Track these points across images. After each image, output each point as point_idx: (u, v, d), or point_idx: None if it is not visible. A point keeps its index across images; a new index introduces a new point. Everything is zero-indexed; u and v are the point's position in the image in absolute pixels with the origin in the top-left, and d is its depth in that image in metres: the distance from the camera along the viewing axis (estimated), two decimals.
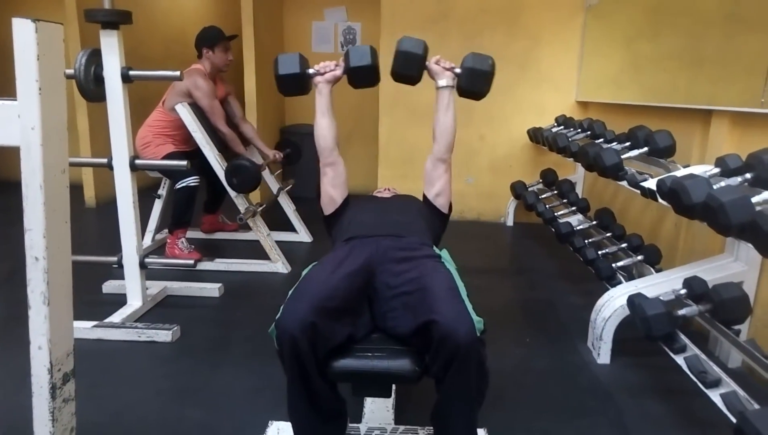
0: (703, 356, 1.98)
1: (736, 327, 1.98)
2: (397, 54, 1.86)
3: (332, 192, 1.95)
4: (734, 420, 1.68)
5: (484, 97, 1.95)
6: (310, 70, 1.87)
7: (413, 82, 1.93)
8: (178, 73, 2.52)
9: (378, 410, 1.89)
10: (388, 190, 2.32)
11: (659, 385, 2.22)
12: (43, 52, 1.09)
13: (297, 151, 4.20)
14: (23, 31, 1.08)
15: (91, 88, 2.44)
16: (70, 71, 2.33)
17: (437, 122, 1.92)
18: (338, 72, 1.91)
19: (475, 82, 1.88)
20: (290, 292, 1.50)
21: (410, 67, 1.85)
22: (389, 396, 1.65)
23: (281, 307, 1.44)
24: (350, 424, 1.74)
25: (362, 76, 1.87)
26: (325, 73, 1.89)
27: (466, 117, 4.62)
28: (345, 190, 1.98)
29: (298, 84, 1.86)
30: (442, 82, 1.90)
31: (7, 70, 1.25)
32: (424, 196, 2.00)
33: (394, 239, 1.71)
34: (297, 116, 5.82)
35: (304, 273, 1.66)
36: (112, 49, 2.42)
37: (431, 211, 1.98)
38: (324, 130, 1.90)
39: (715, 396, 1.82)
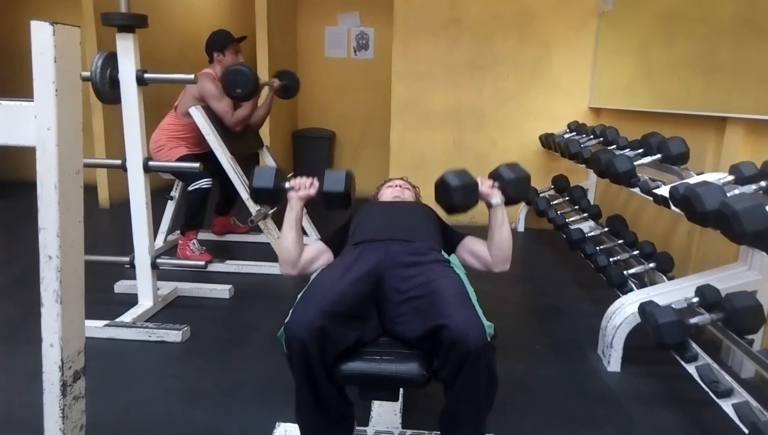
0: (715, 366, 1.96)
1: (750, 337, 1.95)
2: (453, 190, 1.78)
3: (318, 264, 1.87)
4: (747, 431, 1.66)
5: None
6: (286, 184, 1.86)
7: (469, 210, 1.87)
8: (192, 76, 2.55)
9: (385, 414, 1.89)
10: (399, 187, 2.29)
11: (670, 394, 2.20)
12: (60, 55, 1.11)
13: (294, 80, 4.00)
14: (41, 34, 1.09)
15: (107, 90, 2.47)
16: (87, 73, 2.36)
17: (493, 239, 1.83)
18: (312, 191, 1.86)
19: (519, 190, 1.88)
20: (299, 296, 1.51)
21: (469, 199, 1.81)
22: (396, 400, 1.65)
23: (290, 311, 1.44)
24: (357, 428, 1.74)
25: (334, 201, 1.86)
26: (299, 190, 1.86)
27: (477, 123, 4.63)
28: (321, 248, 1.91)
29: (270, 197, 1.87)
30: (496, 201, 1.82)
31: (25, 72, 1.27)
32: (462, 238, 1.94)
33: (403, 244, 1.70)
34: (309, 120, 5.85)
35: (313, 277, 1.67)
36: (127, 52, 2.45)
37: (448, 235, 1.95)
38: (289, 244, 1.82)
39: (727, 406, 1.79)
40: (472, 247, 1.90)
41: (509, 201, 1.87)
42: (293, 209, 1.84)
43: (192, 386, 2.17)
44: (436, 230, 1.90)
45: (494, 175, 1.88)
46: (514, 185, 1.85)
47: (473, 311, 1.42)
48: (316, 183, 1.88)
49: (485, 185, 1.83)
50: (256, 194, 1.87)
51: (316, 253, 1.88)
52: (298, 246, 1.82)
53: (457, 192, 1.79)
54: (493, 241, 1.82)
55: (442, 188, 1.83)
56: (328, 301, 1.44)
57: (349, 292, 1.50)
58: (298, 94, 5.25)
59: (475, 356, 1.33)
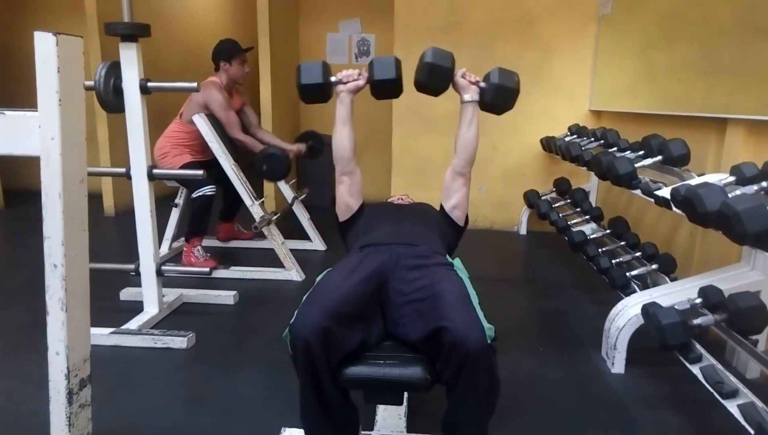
0: (719, 366, 1.96)
1: (754, 337, 1.94)
2: (423, 65, 1.82)
3: (349, 199, 1.95)
4: (752, 432, 1.65)
5: (506, 112, 1.93)
6: (333, 78, 1.85)
7: (437, 94, 1.91)
8: (195, 84, 2.57)
9: (390, 418, 1.89)
10: (402, 198, 2.33)
11: (674, 395, 2.19)
12: (64, 65, 1.13)
13: (319, 142, 4.19)
14: (45, 44, 1.11)
15: (111, 99, 2.49)
16: (90, 83, 2.39)
17: (459, 136, 1.90)
18: (361, 82, 1.89)
19: (500, 98, 1.86)
20: (304, 298, 1.52)
21: (437, 80, 1.81)
22: (401, 403, 1.64)
23: (295, 312, 1.45)
24: (362, 432, 1.74)
25: (385, 89, 1.85)
26: (347, 82, 1.87)
27: (478, 126, 4.62)
28: (360, 198, 1.99)
29: (320, 93, 1.84)
30: (467, 97, 1.87)
31: (29, 82, 1.29)
32: (441, 208, 2.00)
33: (407, 247, 1.71)
34: (312, 125, 5.85)
35: (318, 279, 1.68)
36: (131, 61, 2.47)
37: (447, 222, 1.98)
38: (344, 139, 1.88)
39: (732, 407, 1.79)
40: (444, 193, 1.97)
41: (485, 105, 1.85)
42: (344, 103, 1.87)
43: (197, 392, 2.18)
44: (440, 232, 1.91)
45: (485, 76, 1.87)
46: (493, 91, 1.82)
47: (473, 314, 1.42)
48: (365, 72, 1.89)
49: (464, 78, 1.83)
50: (305, 91, 1.84)
51: (359, 188, 1.95)
52: (352, 140, 1.87)
53: (426, 69, 1.78)
54: (459, 139, 1.88)
55: (419, 63, 1.83)
56: (333, 302, 1.45)
57: (353, 293, 1.51)
58: (301, 101, 5.31)
59: (475, 358, 1.33)
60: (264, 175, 3.37)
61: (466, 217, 2.02)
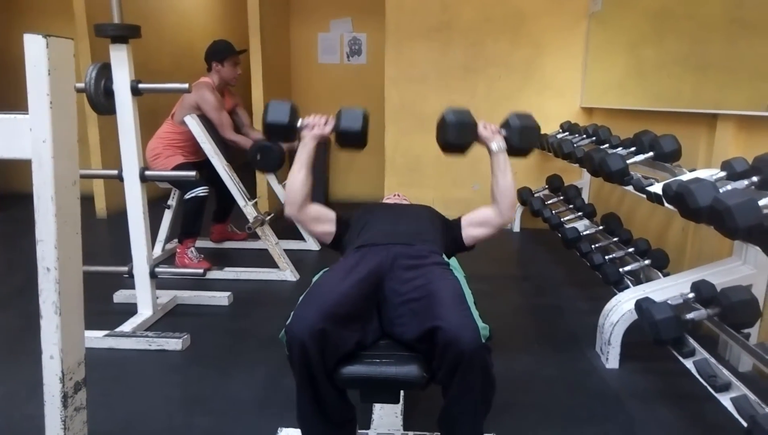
0: (712, 360, 1.97)
1: (746, 330, 1.96)
2: (448, 126, 1.78)
3: (319, 229, 1.90)
4: (745, 424, 1.67)
5: (531, 153, 1.92)
6: (299, 122, 1.85)
7: (464, 152, 1.88)
8: (186, 85, 2.56)
9: (387, 416, 1.89)
10: (398, 195, 2.32)
11: (669, 389, 2.21)
12: (54, 67, 1.12)
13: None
14: (35, 47, 1.11)
15: (102, 101, 2.48)
16: (81, 85, 2.37)
17: (496, 184, 1.84)
18: (327, 130, 1.86)
19: (526, 140, 1.85)
20: (301, 298, 1.52)
21: (463, 137, 1.80)
22: (397, 402, 1.65)
23: (291, 313, 1.45)
24: (359, 431, 1.75)
25: (350, 140, 1.85)
26: (314, 128, 1.85)
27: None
28: (329, 215, 1.92)
29: (285, 134, 1.84)
30: (495, 147, 1.83)
31: (19, 85, 1.28)
32: (459, 222, 1.94)
33: (404, 247, 1.72)
34: None
35: (314, 279, 1.68)
36: (121, 62, 2.46)
37: (451, 232, 1.94)
38: (298, 183, 1.82)
39: (725, 400, 1.80)
40: (473, 219, 1.91)
41: (512, 150, 1.84)
42: (306, 147, 1.84)
43: (193, 394, 2.17)
44: (439, 233, 1.90)
45: (502, 123, 1.87)
46: (518, 135, 1.82)
47: (468, 313, 1.43)
48: (332, 121, 1.87)
49: (487, 129, 1.82)
50: (270, 130, 1.83)
51: (322, 214, 1.89)
52: (306, 186, 1.83)
53: (452, 128, 1.77)
54: (498, 187, 1.83)
55: (440, 125, 1.82)
56: (329, 303, 1.45)
57: (350, 294, 1.51)
58: (292, 101, 5.28)
59: (469, 358, 1.34)
60: (257, 166, 3.34)
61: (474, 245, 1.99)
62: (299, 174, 1.83)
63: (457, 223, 1.95)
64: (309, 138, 1.85)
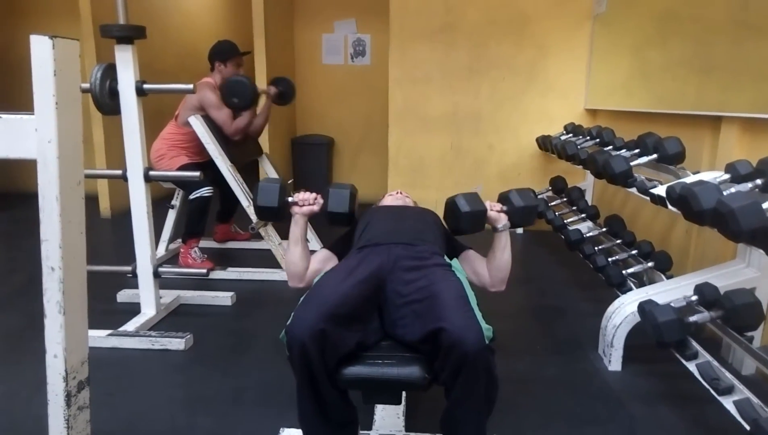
0: (715, 363, 1.97)
1: (749, 333, 1.96)
2: (463, 215, 1.80)
3: (325, 267, 1.86)
4: (748, 428, 1.66)
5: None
6: (290, 199, 1.87)
7: (476, 232, 1.90)
8: (191, 86, 2.57)
9: (388, 417, 1.89)
10: (400, 192, 2.32)
11: (671, 392, 2.21)
12: (60, 68, 1.13)
13: (290, 87, 4.03)
14: (41, 48, 1.11)
15: (107, 101, 2.49)
16: (86, 85, 2.38)
17: (494, 260, 1.84)
18: (315, 208, 1.88)
19: (526, 218, 1.89)
20: (302, 299, 1.52)
21: (476, 224, 1.83)
22: (399, 403, 1.65)
23: (292, 314, 1.45)
24: (361, 431, 1.75)
25: (337, 219, 1.90)
26: (303, 206, 1.87)
27: (474, 126, 4.64)
28: (328, 256, 1.93)
29: (276, 214, 1.87)
30: (501, 227, 1.83)
31: (25, 85, 1.29)
32: (464, 250, 1.96)
33: (406, 247, 1.72)
34: (308, 127, 5.87)
35: (315, 280, 1.68)
36: (126, 63, 2.47)
37: (451, 241, 1.96)
38: (295, 257, 1.84)
39: (728, 403, 1.80)
40: (472, 264, 1.91)
41: (513, 226, 1.88)
42: (298, 224, 1.86)
43: (195, 393, 2.18)
44: (440, 235, 1.91)
45: (503, 199, 1.89)
46: (521, 214, 1.86)
47: (471, 314, 1.43)
48: (320, 199, 1.90)
49: (494, 210, 1.84)
50: (261, 213, 1.88)
51: (322, 262, 1.89)
52: (304, 260, 1.84)
53: (466, 218, 1.81)
54: (494, 262, 1.83)
55: (451, 211, 1.85)
56: (330, 303, 1.45)
57: (351, 295, 1.51)
58: (297, 101, 5.29)
59: (472, 359, 1.34)
60: (234, 106, 3.24)
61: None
62: (295, 249, 1.84)
63: (461, 248, 1.97)
64: (299, 216, 1.86)
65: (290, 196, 1.88)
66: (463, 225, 1.83)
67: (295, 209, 1.87)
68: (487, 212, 1.82)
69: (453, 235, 1.95)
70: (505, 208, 1.85)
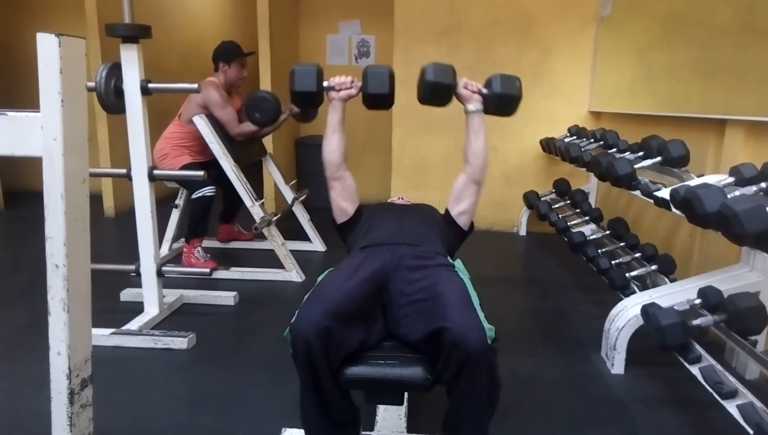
0: (719, 367, 1.96)
1: (753, 338, 1.95)
2: (426, 84, 1.80)
3: (342, 203, 1.95)
4: (752, 432, 1.66)
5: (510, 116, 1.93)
6: (326, 84, 1.85)
7: (441, 106, 1.91)
8: (195, 85, 2.57)
9: (390, 418, 1.89)
10: (402, 198, 2.33)
11: (674, 395, 2.20)
12: (66, 66, 1.13)
13: (313, 109, 4.07)
14: (47, 46, 1.12)
15: (112, 100, 2.50)
16: (91, 84, 2.39)
17: (468, 145, 1.87)
18: (353, 91, 1.88)
19: (503, 106, 1.86)
20: (306, 297, 1.52)
21: (440, 96, 1.81)
22: (401, 404, 1.65)
23: (296, 312, 1.46)
24: (363, 432, 1.74)
25: (377, 101, 1.86)
26: (340, 90, 1.86)
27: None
28: (356, 200, 1.98)
29: (313, 99, 1.85)
30: (471, 107, 1.84)
31: (31, 83, 1.30)
32: (447, 211, 1.98)
33: (409, 247, 1.72)
34: (312, 128, 5.86)
35: (319, 279, 1.68)
36: (131, 62, 2.48)
37: (450, 226, 1.96)
38: (333, 145, 1.87)
39: (731, 407, 1.79)
40: (453, 196, 1.93)
41: (488, 112, 1.85)
42: (336, 110, 1.86)
43: (198, 393, 2.18)
44: (442, 234, 1.91)
45: (487, 82, 1.85)
46: (496, 100, 1.82)
47: (474, 314, 1.43)
48: (358, 82, 1.88)
49: (467, 88, 1.82)
50: (299, 97, 1.84)
51: (353, 191, 1.95)
52: (341, 147, 1.87)
53: (430, 88, 1.79)
54: (470, 148, 1.85)
55: (420, 80, 1.82)
56: (334, 302, 1.45)
57: (355, 293, 1.51)
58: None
59: (475, 359, 1.34)
60: (255, 121, 3.27)
61: (472, 223, 2.00)
62: (333, 136, 1.87)
63: (446, 213, 1.98)
64: (337, 100, 1.86)
65: (326, 81, 1.84)
66: (426, 94, 1.82)
67: (333, 94, 1.86)
68: (455, 87, 1.80)
69: (421, 103, 1.92)
70: (483, 91, 1.83)
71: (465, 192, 1.93)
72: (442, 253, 1.78)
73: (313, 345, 1.37)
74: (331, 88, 1.86)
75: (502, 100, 1.84)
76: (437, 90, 1.80)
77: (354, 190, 1.96)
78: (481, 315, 1.44)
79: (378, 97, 1.84)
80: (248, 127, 3.51)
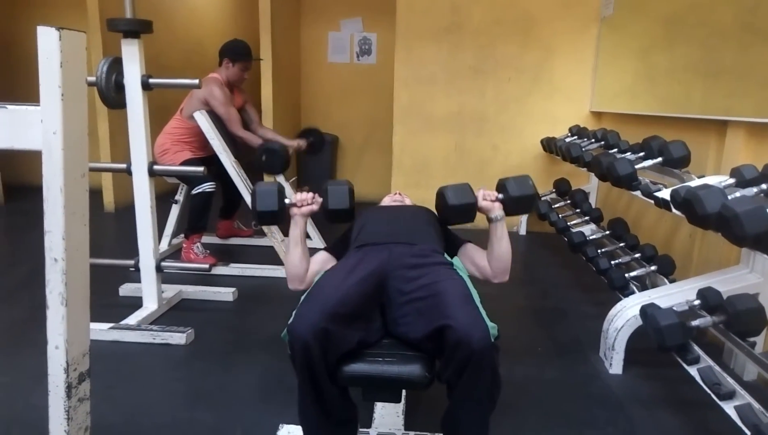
0: (717, 368, 1.96)
1: (752, 339, 1.95)
2: (449, 208, 1.80)
3: (326, 267, 1.84)
4: (749, 433, 1.66)
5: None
6: (287, 201, 1.86)
7: (468, 223, 1.90)
8: (196, 81, 2.57)
9: (388, 415, 1.89)
10: (399, 194, 2.32)
11: (672, 396, 2.20)
12: (66, 60, 1.13)
13: (320, 139, 4.23)
14: (48, 39, 1.11)
15: (112, 95, 2.50)
16: (92, 78, 2.39)
17: (492, 252, 1.82)
18: (315, 207, 1.87)
19: (522, 207, 1.87)
20: (303, 298, 1.52)
21: (464, 215, 1.83)
22: (399, 401, 1.65)
23: (293, 312, 1.45)
24: (360, 429, 1.75)
25: (338, 216, 1.88)
26: (302, 206, 1.86)
27: (479, 127, 4.64)
28: (326, 258, 1.91)
29: (275, 217, 1.86)
30: (494, 216, 1.81)
31: (31, 77, 1.29)
32: (462, 243, 1.94)
33: (405, 246, 1.72)
34: (312, 125, 5.87)
35: (316, 279, 1.68)
36: (132, 57, 2.47)
37: (447, 235, 1.95)
38: (296, 259, 1.82)
39: (729, 408, 1.79)
40: (472, 256, 1.90)
41: (509, 214, 1.86)
42: (297, 226, 1.84)
43: (196, 388, 2.18)
44: (438, 233, 1.91)
45: (500, 187, 1.87)
46: (516, 203, 1.84)
47: (477, 312, 1.43)
48: (318, 198, 1.88)
49: (486, 199, 1.83)
50: (261, 217, 1.87)
51: (320, 264, 1.88)
52: (304, 261, 1.83)
53: (453, 211, 1.81)
54: (493, 254, 1.82)
55: (440, 203, 1.85)
56: (332, 302, 1.45)
57: (352, 293, 1.51)
58: (302, 99, 5.30)
59: (478, 357, 1.34)
60: (263, 168, 3.41)
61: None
62: (295, 251, 1.82)
63: (460, 242, 1.95)
64: (299, 217, 1.85)
65: (287, 198, 1.87)
66: (451, 217, 1.84)
67: (294, 210, 1.86)
68: (476, 204, 1.81)
69: (446, 224, 1.94)
70: (500, 196, 1.84)
71: (481, 272, 1.87)
72: (439, 250, 1.77)
73: (311, 346, 1.37)
74: (293, 205, 1.86)
75: (520, 202, 1.85)
76: (461, 211, 1.81)
77: (318, 266, 1.86)
78: (483, 312, 1.44)
79: (338, 212, 1.86)
80: (251, 137, 3.63)
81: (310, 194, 1.89)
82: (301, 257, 1.82)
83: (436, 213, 2.01)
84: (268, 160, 3.62)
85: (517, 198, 1.83)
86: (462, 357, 1.35)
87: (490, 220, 1.82)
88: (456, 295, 1.49)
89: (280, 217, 1.87)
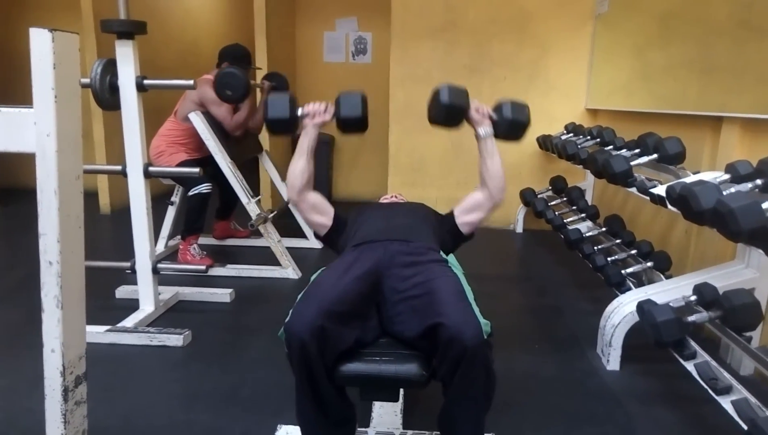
0: (713, 363, 1.97)
1: (748, 334, 1.96)
2: (440, 105, 1.79)
3: (316, 218, 1.90)
4: (746, 427, 1.66)
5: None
6: (299, 111, 1.86)
7: (452, 128, 1.91)
8: (191, 82, 2.56)
9: (386, 414, 1.90)
10: (395, 196, 2.33)
11: (669, 391, 2.21)
12: (60, 61, 1.12)
13: (282, 83, 4.09)
14: (40, 41, 1.11)
15: (107, 96, 2.49)
16: (86, 80, 2.38)
17: (485, 169, 1.83)
18: (327, 117, 1.88)
19: (513, 132, 1.86)
20: (299, 296, 1.52)
21: (452, 119, 1.81)
22: (397, 400, 1.66)
23: (290, 311, 1.45)
24: (358, 428, 1.75)
25: (351, 125, 1.86)
26: (314, 116, 1.86)
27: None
28: (328, 209, 1.92)
29: (287, 126, 1.85)
30: (483, 132, 1.82)
31: (24, 78, 1.29)
32: (452, 214, 1.93)
33: (401, 244, 1.71)
34: None
35: (313, 278, 1.68)
36: (127, 58, 2.47)
37: (447, 226, 1.92)
38: (299, 168, 1.83)
39: (726, 403, 1.80)
40: (465, 206, 1.90)
41: (497, 136, 1.84)
42: (308, 135, 1.86)
43: (193, 390, 2.18)
44: (434, 230, 1.90)
45: (497, 107, 1.85)
46: (508, 126, 1.82)
47: (470, 310, 1.43)
48: (332, 108, 1.88)
49: (478, 112, 1.82)
50: (272, 125, 1.85)
51: (321, 205, 1.89)
52: (306, 173, 1.84)
53: (442, 110, 1.79)
54: (488, 171, 1.83)
55: (433, 99, 1.83)
56: (328, 300, 1.45)
57: (348, 291, 1.51)
58: (298, 99, 5.26)
59: (471, 354, 1.34)
60: (226, 99, 3.28)
61: (473, 232, 1.96)
62: (299, 161, 1.84)
63: (450, 215, 1.95)
64: (310, 126, 1.86)
65: (300, 108, 1.85)
66: (437, 115, 1.83)
67: (307, 121, 1.86)
68: (467, 111, 1.80)
69: (430, 123, 1.92)
70: (494, 116, 1.83)
71: (478, 208, 1.89)
72: (434, 248, 1.77)
73: (308, 344, 1.37)
74: (305, 115, 1.86)
75: (513, 126, 1.84)
76: (451, 112, 1.80)
77: (321, 202, 1.90)
78: (476, 310, 1.44)
79: (351, 121, 1.85)
80: (241, 114, 3.53)
81: (323, 104, 1.89)
82: (303, 169, 1.84)
83: (429, 206, 2.01)
84: (228, 86, 3.34)
85: (510, 121, 1.81)
86: (455, 355, 1.35)
87: (478, 136, 1.83)
88: (449, 293, 1.49)
89: (292, 126, 1.86)
